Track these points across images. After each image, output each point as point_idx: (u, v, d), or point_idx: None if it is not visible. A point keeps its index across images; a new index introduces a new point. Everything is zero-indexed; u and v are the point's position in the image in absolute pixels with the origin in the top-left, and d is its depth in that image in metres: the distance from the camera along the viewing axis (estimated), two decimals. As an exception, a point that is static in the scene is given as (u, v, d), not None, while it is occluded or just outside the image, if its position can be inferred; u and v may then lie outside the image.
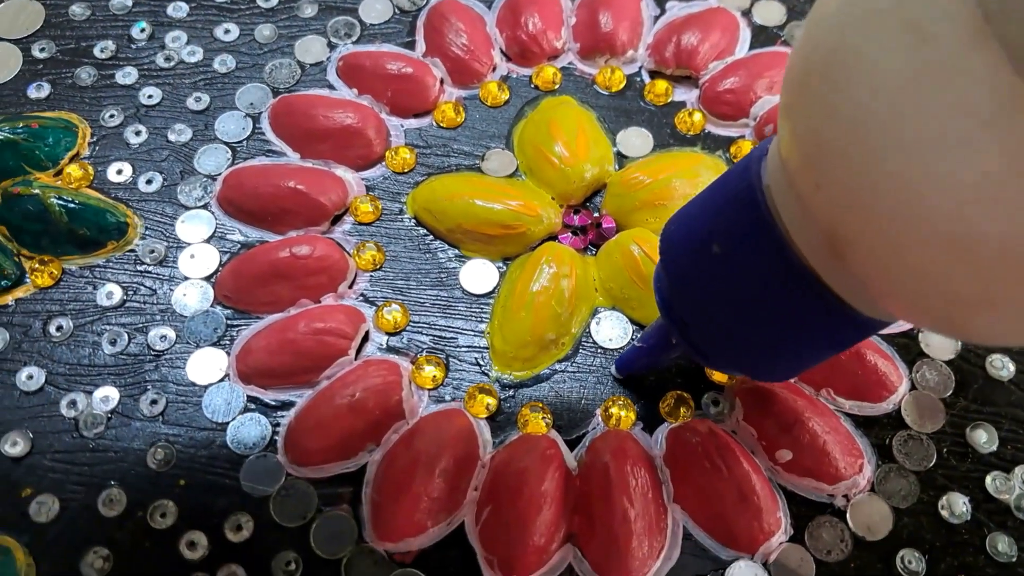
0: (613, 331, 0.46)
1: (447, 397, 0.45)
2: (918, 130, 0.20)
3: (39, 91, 0.53)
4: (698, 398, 0.45)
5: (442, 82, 0.54)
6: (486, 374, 0.46)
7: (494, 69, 0.54)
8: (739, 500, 0.41)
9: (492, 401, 0.44)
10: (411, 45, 0.55)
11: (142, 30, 0.55)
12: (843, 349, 0.33)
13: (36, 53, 0.55)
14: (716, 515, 0.42)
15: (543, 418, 0.44)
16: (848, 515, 0.42)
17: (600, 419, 0.44)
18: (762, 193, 0.29)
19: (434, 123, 0.53)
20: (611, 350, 0.46)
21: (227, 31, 0.56)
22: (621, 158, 0.51)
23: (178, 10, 0.56)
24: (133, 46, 0.55)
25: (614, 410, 0.44)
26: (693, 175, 0.49)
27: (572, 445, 0.44)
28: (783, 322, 0.31)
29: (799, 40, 0.26)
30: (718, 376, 0.45)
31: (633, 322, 0.47)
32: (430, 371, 0.45)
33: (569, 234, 0.49)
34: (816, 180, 0.25)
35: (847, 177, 0.23)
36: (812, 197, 0.26)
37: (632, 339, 0.46)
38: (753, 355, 0.34)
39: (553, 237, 0.49)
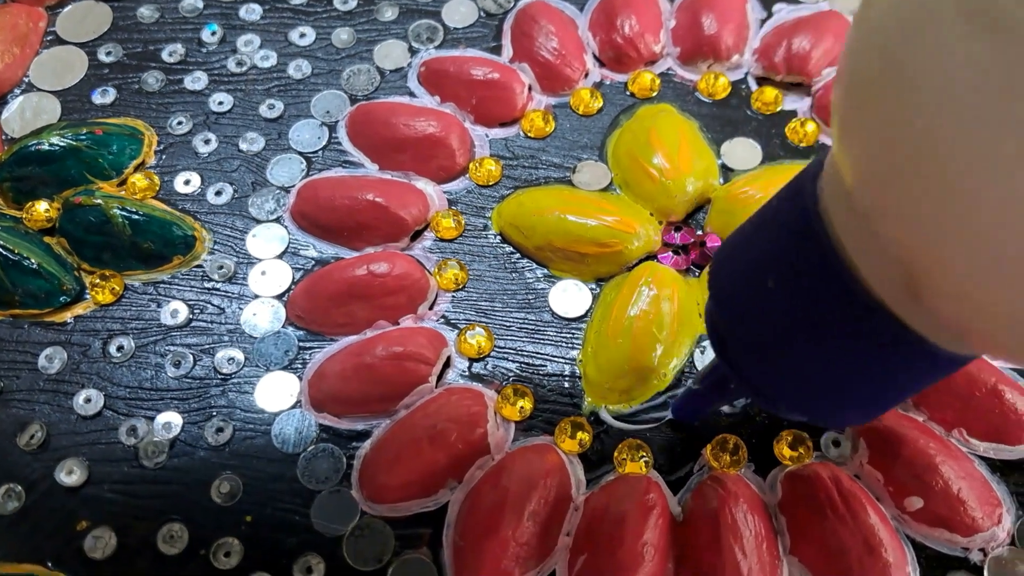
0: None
1: (535, 430, 0.41)
2: (996, 141, 0.16)
3: (104, 96, 0.51)
4: (817, 438, 0.40)
5: (530, 89, 0.50)
6: (578, 406, 0.42)
7: (586, 75, 0.51)
8: (865, 553, 0.37)
9: (585, 436, 0.40)
10: (497, 50, 0.52)
11: (213, 33, 0.53)
12: (924, 388, 0.28)
13: (102, 57, 0.52)
14: (838, 570, 0.37)
15: (642, 456, 0.40)
16: (986, 571, 0.38)
17: (707, 459, 0.40)
18: (819, 217, 0.25)
19: (521, 133, 0.49)
20: (718, 382, 0.42)
21: (302, 35, 0.52)
22: (726, 171, 0.47)
23: (251, 12, 0.53)
24: (203, 50, 0.52)
25: (722, 450, 0.40)
26: (807, 190, 0.44)
27: (675, 487, 0.40)
28: (853, 362, 0.27)
29: (848, 37, 0.21)
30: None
31: (742, 351, 0.42)
32: (517, 401, 0.41)
33: (670, 253, 0.45)
34: (879, 202, 0.21)
35: (916, 199, 0.19)
36: (877, 222, 0.22)
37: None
38: (821, 399, 0.29)
39: (652, 256, 0.45)
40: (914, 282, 0.22)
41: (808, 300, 0.26)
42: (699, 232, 0.46)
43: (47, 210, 0.46)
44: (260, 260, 0.45)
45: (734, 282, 0.30)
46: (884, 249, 0.22)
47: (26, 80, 0.51)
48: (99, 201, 0.45)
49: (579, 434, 0.40)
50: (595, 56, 0.51)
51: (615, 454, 0.40)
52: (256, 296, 0.44)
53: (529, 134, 0.49)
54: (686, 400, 0.40)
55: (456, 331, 0.43)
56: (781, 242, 0.27)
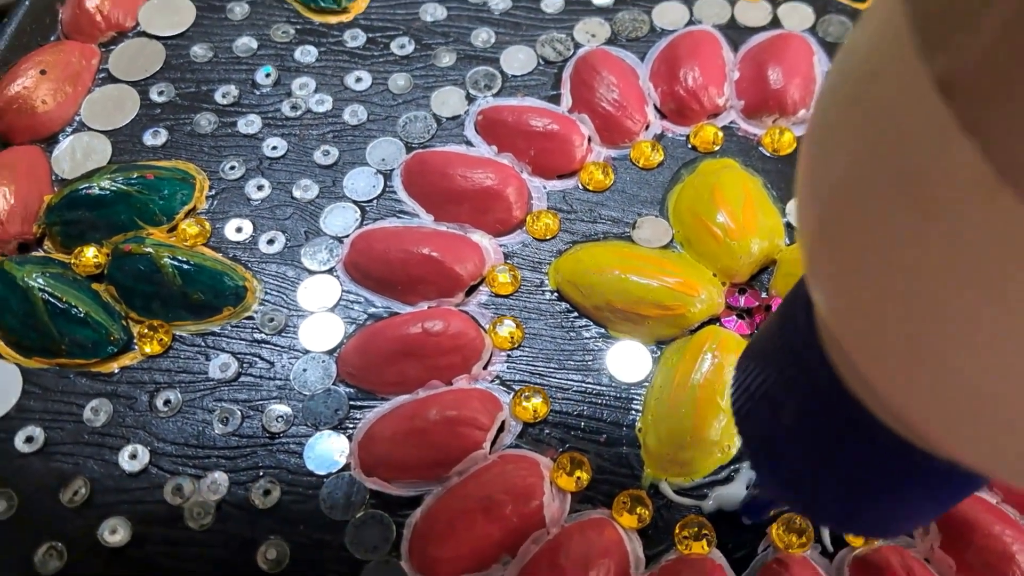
0: (785, 434, 0.40)
1: (592, 502, 0.40)
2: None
3: (155, 138, 0.50)
4: (887, 519, 0.38)
5: (590, 140, 0.49)
6: (637, 477, 0.40)
7: (647, 127, 0.49)
8: (938, 647, 0.35)
9: (645, 512, 0.39)
10: (556, 99, 0.50)
11: (267, 75, 0.52)
12: (963, 498, 0.26)
13: (154, 96, 0.51)
14: (909, 663, 0.35)
15: (705, 535, 0.38)
16: (1065, 669, 0.36)
17: (772, 539, 0.38)
18: (817, 353, 0.23)
19: (580, 185, 0.48)
20: (783, 456, 0.40)
21: (359, 79, 0.51)
22: (792, 230, 0.46)
23: (306, 54, 0.52)
24: (257, 92, 0.51)
25: (788, 530, 0.38)
26: (878, 256, 0.43)
27: (738, 567, 0.38)
28: (877, 477, 0.25)
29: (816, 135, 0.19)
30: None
31: (809, 425, 0.41)
32: (574, 471, 0.40)
33: (734, 317, 0.43)
34: (860, 354, 0.19)
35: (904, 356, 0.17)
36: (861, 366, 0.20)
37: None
38: (850, 512, 0.28)
39: (715, 320, 0.43)
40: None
41: (821, 423, 0.25)
42: (764, 295, 0.44)
43: (96, 256, 0.45)
44: (311, 313, 0.44)
45: (754, 417, 0.28)
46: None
47: (77, 119, 0.50)
48: (149, 250, 0.44)
49: (638, 509, 0.39)
50: (656, 108, 0.50)
51: (676, 530, 0.39)
52: (307, 351, 0.43)
53: (588, 187, 0.47)
54: (748, 503, 0.38)
55: (511, 393, 0.42)
56: (787, 378, 0.25)
